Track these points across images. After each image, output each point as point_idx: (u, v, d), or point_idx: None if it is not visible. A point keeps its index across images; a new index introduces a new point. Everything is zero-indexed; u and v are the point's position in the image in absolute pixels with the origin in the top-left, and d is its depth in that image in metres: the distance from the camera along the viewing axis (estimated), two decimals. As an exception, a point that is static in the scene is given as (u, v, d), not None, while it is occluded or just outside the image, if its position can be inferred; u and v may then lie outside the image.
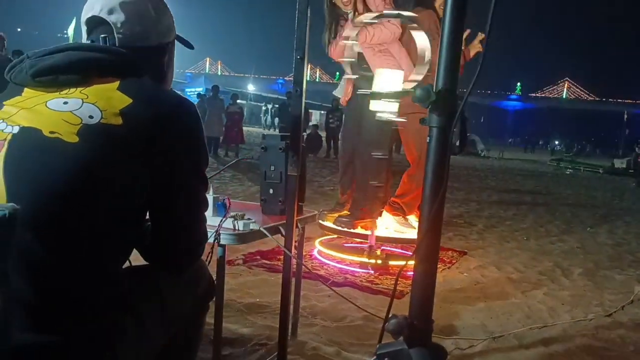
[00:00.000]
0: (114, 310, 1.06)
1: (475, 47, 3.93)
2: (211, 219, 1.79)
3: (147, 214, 1.18)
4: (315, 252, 3.94)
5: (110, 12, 1.22)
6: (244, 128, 14.09)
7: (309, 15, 1.72)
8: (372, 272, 3.56)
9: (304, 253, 3.89)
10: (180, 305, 1.26)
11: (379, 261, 3.62)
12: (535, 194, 10.40)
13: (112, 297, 1.06)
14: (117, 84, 1.11)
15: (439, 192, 1.05)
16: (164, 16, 1.31)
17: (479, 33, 3.95)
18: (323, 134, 15.61)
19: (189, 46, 1.45)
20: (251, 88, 59.67)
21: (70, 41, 9.66)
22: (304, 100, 1.82)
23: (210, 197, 1.83)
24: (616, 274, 4.21)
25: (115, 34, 1.22)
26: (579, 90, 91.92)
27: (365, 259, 3.67)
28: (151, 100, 1.12)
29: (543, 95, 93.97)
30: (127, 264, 1.21)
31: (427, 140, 1.06)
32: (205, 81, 47.22)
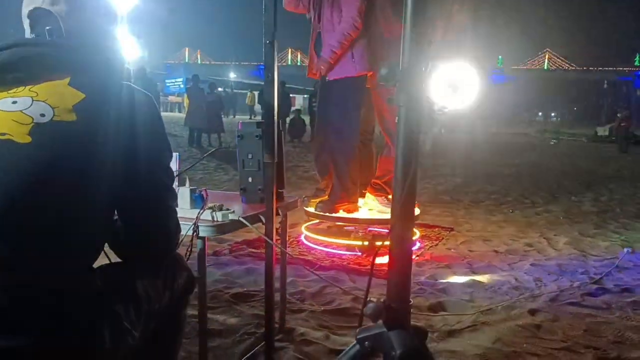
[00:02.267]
0: (87, 310, 1.04)
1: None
2: (189, 212, 1.77)
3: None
4: (302, 238, 3.94)
5: (53, 2, 1.17)
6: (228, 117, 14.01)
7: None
8: (360, 253, 3.56)
9: (291, 239, 3.89)
10: (157, 301, 1.24)
11: (366, 242, 3.63)
12: (520, 166, 10.47)
13: (84, 297, 1.04)
14: (67, 79, 1.08)
15: (409, 173, 1.03)
16: (107, 6, 1.27)
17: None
18: (307, 118, 15.54)
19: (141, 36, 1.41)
20: (233, 75, 59.11)
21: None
22: (276, 86, 1.79)
23: (186, 189, 1.80)
24: (601, 241, 4.26)
25: (61, 25, 1.17)
26: (560, 61, 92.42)
27: (352, 242, 3.68)
28: (106, 94, 1.09)
29: (525, 67, 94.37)
30: (102, 261, 1.19)
31: (396, 120, 1.04)
32: (185, 71, 46.73)
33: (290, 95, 21.95)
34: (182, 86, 30.73)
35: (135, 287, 1.19)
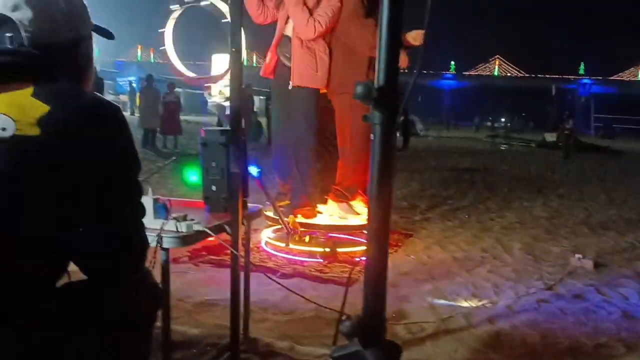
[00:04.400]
0: (45, 328, 0.99)
1: (413, 38, 3.92)
2: (152, 222, 1.71)
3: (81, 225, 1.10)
4: (262, 244, 3.90)
5: (15, 8, 1.09)
6: (182, 117, 13.77)
7: (242, 6, 1.65)
8: (321, 260, 3.55)
9: (251, 246, 3.84)
10: (125, 319, 1.19)
11: (327, 249, 3.63)
12: (473, 171, 10.72)
13: (45, 314, 0.99)
14: (30, 89, 1.01)
15: (386, 191, 1.03)
16: (75, 7, 1.18)
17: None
18: (263, 120, 15.45)
19: (109, 36, 1.34)
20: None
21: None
22: (238, 94, 1.76)
23: (149, 199, 1.75)
24: (552, 246, 4.40)
25: (22, 33, 1.09)
26: (509, 67, 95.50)
27: (312, 248, 3.67)
28: (71, 106, 1.03)
29: (477, 73, 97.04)
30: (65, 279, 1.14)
31: (371, 138, 1.04)
32: (138, 70, 45.70)
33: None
34: (134, 85, 29.92)
35: (101, 304, 1.13)
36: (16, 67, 1.03)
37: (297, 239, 3.59)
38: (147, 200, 1.74)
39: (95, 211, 1.07)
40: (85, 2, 1.23)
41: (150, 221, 1.71)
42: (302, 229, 3.62)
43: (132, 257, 1.17)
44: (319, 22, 3.51)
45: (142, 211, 1.19)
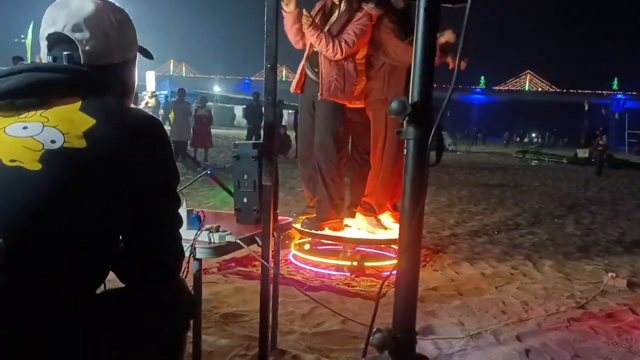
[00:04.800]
0: (82, 335, 1.03)
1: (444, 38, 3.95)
2: (186, 233, 1.76)
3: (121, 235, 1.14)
4: (290, 256, 3.92)
5: (75, 29, 1.16)
6: (212, 130, 13.96)
7: (278, 23, 1.70)
8: (349, 274, 3.56)
9: (280, 258, 3.87)
10: (160, 327, 1.23)
11: (355, 263, 3.63)
12: (503, 186, 10.59)
13: (82, 320, 1.03)
14: (78, 104, 1.07)
15: (418, 206, 1.04)
16: (128, 30, 1.26)
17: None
18: (292, 133, 15.56)
19: (149, 56, 1.41)
20: (217, 89, 59.26)
21: (28, 49, 9.38)
22: (273, 109, 1.80)
23: (183, 210, 1.79)
24: (585, 264, 4.32)
25: (80, 52, 1.17)
26: (540, 82, 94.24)
27: (340, 262, 3.68)
28: (116, 120, 1.08)
29: (506, 88, 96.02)
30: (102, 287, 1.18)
31: (404, 152, 1.06)
32: (170, 84, 46.61)
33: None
34: (168, 99, 30.60)
35: (138, 312, 1.17)
36: (66, 83, 1.09)
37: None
38: (181, 211, 1.79)
39: (136, 220, 1.11)
40: (133, 25, 1.30)
41: (184, 232, 1.76)
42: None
43: (168, 266, 1.21)
44: (346, 42, 3.57)
45: (179, 222, 1.23)
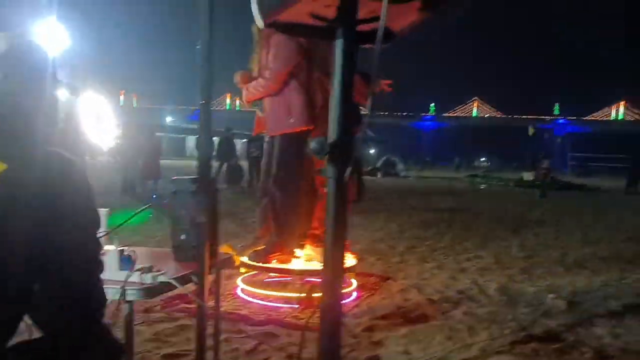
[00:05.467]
0: None
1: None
2: (117, 274, 1.71)
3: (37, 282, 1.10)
4: (238, 291, 3.86)
5: None
6: (163, 161, 13.75)
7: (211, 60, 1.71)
8: (297, 306, 3.53)
9: (226, 292, 3.81)
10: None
11: (303, 294, 3.60)
12: (452, 211, 10.81)
13: None
14: None
15: (339, 242, 1.05)
16: (39, 69, 1.21)
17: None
18: (245, 163, 15.50)
19: (75, 92, 1.38)
20: (169, 119, 58.75)
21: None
22: (210, 144, 1.79)
23: (114, 250, 1.75)
24: (528, 286, 4.43)
25: None
26: (487, 109, 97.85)
27: (288, 294, 3.65)
28: (29, 164, 1.05)
29: (455, 114, 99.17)
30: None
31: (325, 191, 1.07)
32: (120, 115, 45.84)
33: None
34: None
35: None
36: None
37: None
38: (111, 252, 1.75)
39: (52, 266, 1.07)
40: (49, 59, 1.26)
41: (115, 273, 1.71)
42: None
43: (88, 313, 1.17)
44: (268, 75, 3.62)
45: (99, 265, 1.19)
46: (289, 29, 1.14)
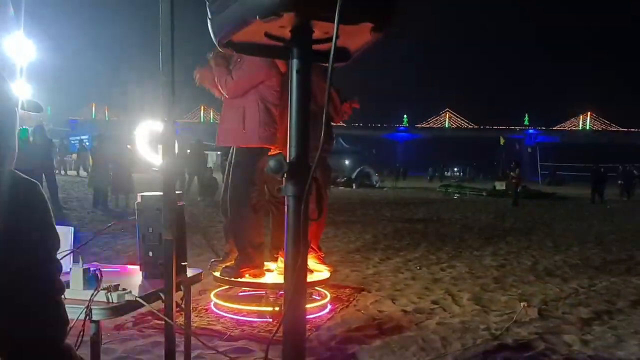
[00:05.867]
0: None
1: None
2: (82, 293, 1.68)
3: None
4: (211, 305, 3.82)
5: None
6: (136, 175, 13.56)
7: (174, 77, 1.69)
8: (270, 320, 3.50)
9: (199, 307, 3.76)
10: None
11: (277, 308, 3.58)
12: (426, 221, 10.91)
13: None
14: None
15: (301, 259, 1.05)
16: None
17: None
18: (219, 175, 15.40)
19: (37, 110, 1.33)
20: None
21: None
22: (174, 160, 1.77)
23: (79, 269, 1.71)
24: (500, 295, 4.49)
25: None
26: (459, 120, 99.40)
27: (262, 308, 3.62)
28: None
29: (428, 125, 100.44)
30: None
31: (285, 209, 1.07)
32: (92, 128, 45.17)
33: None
34: (86, 143, 29.35)
35: None
36: None
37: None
38: (77, 271, 1.71)
39: (10, 288, 1.04)
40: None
41: (80, 292, 1.68)
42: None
43: (49, 335, 1.14)
44: (234, 77, 3.53)
45: (59, 287, 1.16)
46: (245, 48, 1.14)
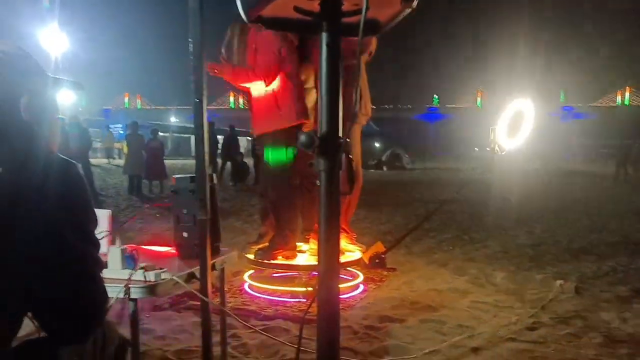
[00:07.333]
0: None
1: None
2: (120, 273, 1.72)
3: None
4: (245, 286, 3.88)
5: None
6: (169, 161, 13.81)
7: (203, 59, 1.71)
8: (304, 300, 3.54)
9: (234, 289, 3.82)
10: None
11: (310, 288, 3.62)
12: (458, 202, 10.77)
13: None
14: None
15: (334, 234, 1.05)
16: (12, 64, 1.12)
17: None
18: (250, 160, 15.51)
19: (78, 87, 1.37)
20: (174, 120, 58.89)
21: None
22: (206, 142, 1.79)
23: (117, 249, 1.76)
24: (536, 274, 4.42)
25: None
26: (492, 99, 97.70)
27: (295, 288, 3.66)
28: (22, 167, 1.05)
29: (460, 106, 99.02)
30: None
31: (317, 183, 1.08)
32: (125, 117, 45.94)
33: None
34: (121, 132, 29.83)
35: None
36: None
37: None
38: (115, 251, 1.76)
39: (51, 265, 1.07)
40: (26, 56, 1.19)
41: (118, 272, 1.72)
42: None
43: (90, 311, 1.17)
44: (255, 72, 3.57)
45: (98, 264, 1.19)
46: (274, 24, 1.14)
